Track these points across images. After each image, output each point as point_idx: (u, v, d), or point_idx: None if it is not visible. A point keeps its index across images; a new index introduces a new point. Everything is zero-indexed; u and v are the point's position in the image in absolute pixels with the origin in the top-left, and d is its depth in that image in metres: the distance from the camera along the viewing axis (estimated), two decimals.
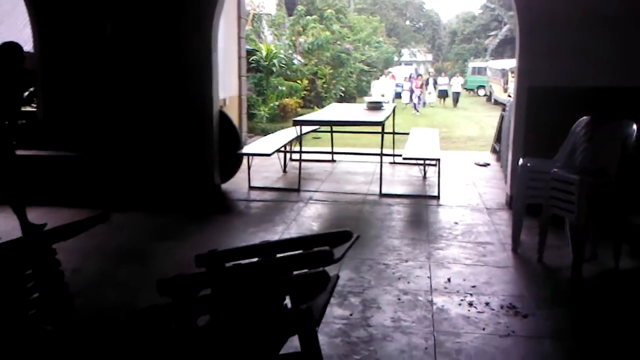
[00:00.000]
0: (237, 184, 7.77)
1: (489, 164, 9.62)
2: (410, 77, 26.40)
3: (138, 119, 7.11)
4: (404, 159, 6.96)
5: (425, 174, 8.43)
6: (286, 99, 17.85)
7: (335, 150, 9.98)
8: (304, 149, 10.15)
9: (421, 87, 25.56)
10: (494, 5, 50.46)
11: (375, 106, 9.16)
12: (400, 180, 8.29)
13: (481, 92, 35.46)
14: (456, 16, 61.91)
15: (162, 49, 7.00)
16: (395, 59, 46.65)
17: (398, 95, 26.86)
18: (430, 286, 4.39)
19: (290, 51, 22.61)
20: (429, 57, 62.60)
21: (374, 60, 31.85)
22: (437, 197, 7.17)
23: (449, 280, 4.52)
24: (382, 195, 7.29)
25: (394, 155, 9.57)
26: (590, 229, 4.85)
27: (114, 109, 7.11)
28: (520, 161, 5.35)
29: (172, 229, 5.96)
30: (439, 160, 6.99)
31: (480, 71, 36.56)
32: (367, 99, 9.33)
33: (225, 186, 7.70)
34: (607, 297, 4.29)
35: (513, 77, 26.83)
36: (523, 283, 4.57)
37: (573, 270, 4.58)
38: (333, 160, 9.82)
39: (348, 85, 25.09)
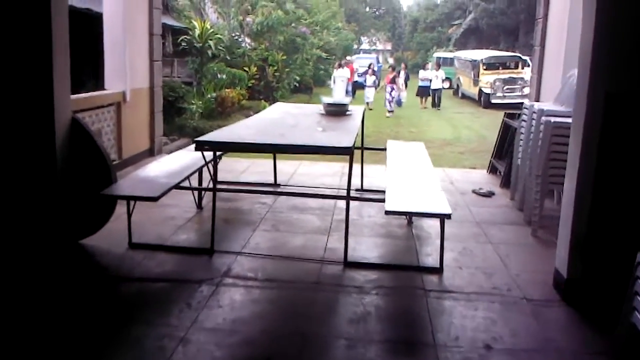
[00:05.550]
0: (112, 238, 4.75)
1: (493, 194, 6.84)
2: (369, 67, 22.95)
3: None
4: (387, 212, 4.00)
5: (410, 217, 5.53)
6: (226, 90, 14.70)
7: (280, 166, 7.05)
8: (229, 167, 7.21)
9: (393, 81, 20.58)
10: None
11: (337, 110, 6.22)
12: (372, 228, 5.40)
13: (446, 84, 32.91)
14: (417, 4, 59.43)
15: None
16: (355, 46, 43.78)
17: (352, 92, 23.01)
18: None
19: (236, 33, 19.44)
20: (389, 46, 60.05)
21: (332, 47, 28.81)
22: (439, 271, 4.32)
23: None
24: (347, 264, 4.40)
25: (362, 179, 6.70)
26: None
27: None
28: None
29: None
30: (446, 216, 4.05)
31: (445, 62, 33.97)
32: (324, 99, 6.37)
33: (91, 242, 4.69)
34: None
35: (485, 69, 24.67)
36: None
37: None
38: (276, 184, 6.88)
39: (304, 74, 22.02)
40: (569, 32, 6.92)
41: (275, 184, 6.86)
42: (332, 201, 6.24)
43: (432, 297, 3.89)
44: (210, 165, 4.78)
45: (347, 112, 6.23)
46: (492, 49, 33.49)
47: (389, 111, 19.65)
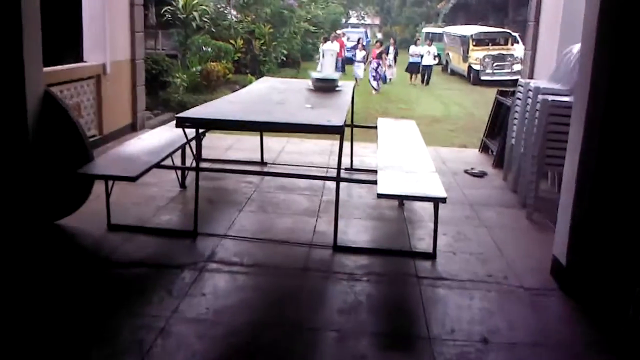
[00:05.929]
0: (90, 219, 4.51)
1: (485, 174, 6.67)
2: (358, 42, 22.40)
3: None
4: (379, 195, 3.80)
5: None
6: (212, 63, 14.30)
7: (267, 143, 6.81)
8: (214, 143, 6.96)
9: (379, 57, 19.46)
10: None
11: (326, 85, 5.98)
12: (363, 209, 5.20)
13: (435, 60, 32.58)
14: None
15: None
16: (343, 20, 43.11)
17: (342, 67, 21.88)
18: None
19: (222, 4, 18.95)
20: (377, 21, 59.30)
21: (320, 21, 28.27)
22: (432, 257, 4.14)
23: None
24: (337, 248, 4.20)
25: (351, 158, 6.51)
26: None
27: None
28: None
29: None
30: (441, 200, 3.86)
31: (434, 37, 33.61)
32: (313, 74, 6.11)
33: (68, 223, 4.45)
34: None
35: (474, 45, 24.34)
36: None
37: None
38: (263, 163, 6.65)
39: (291, 48, 21.55)
40: (565, 7, 6.69)
41: (262, 162, 6.64)
42: (320, 174, 6.05)
43: (426, 285, 3.71)
44: (192, 143, 4.54)
45: (337, 88, 5.99)
46: (481, 24, 33.10)
47: (375, 89, 18.79)
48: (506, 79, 22.29)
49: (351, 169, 6.43)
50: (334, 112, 4.54)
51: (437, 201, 3.94)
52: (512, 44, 24.49)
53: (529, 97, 5.66)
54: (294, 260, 4.04)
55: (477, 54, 23.27)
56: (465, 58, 24.38)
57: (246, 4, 19.31)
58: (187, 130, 4.41)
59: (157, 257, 4.02)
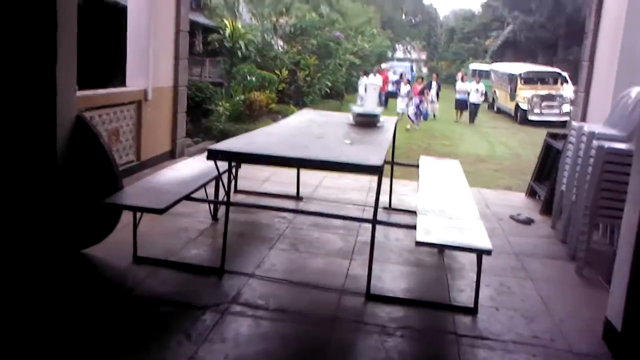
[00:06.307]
0: (117, 249, 4.37)
1: (532, 221, 6.30)
2: (401, 76, 22.12)
3: None
4: (418, 243, 3.53)
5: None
6: (255, 93, 14.32)
7: (303, 177, 6.63)
8: (251, 174, 6.80)
9: (422, 93, 19.13)
10: (497, 4, 47.17)
11: (368, 120, 5.78)
12: (399, 253, 4.92)
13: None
14: (454, 13, 58.54)
15: None
16: (389, 54, 43.14)
17: (385, 102, 21.51)
18: None
19: (269, 34, 19.12)
20: (423, 55, 59.22)
21: (366, 54, 28.29)
22: (473, 312, 3.83)
23: None
24: (370, 297, 3.93)
25: (390, 196, 6.26)
26: None
27: None
28: None
29: None
30: (486, 252, 3.56)
31: (481, 74, 33.27)
32: (354, 108, 5.92)
33: (94, 252, 4.32)
34: None
35: (522, 84, 23.82)
36: None
37: None
38: (298, 197, 6.46)
39: (335, 80, 21.52)
40: (622, 49, 6.37)
41: (298, 197, 6.44)
42: (357, 213, 5.81)
43: (465, 345, 3.40)
44: (224, 177, 4.37)
45: (378, 124, 5.78)
46: (529, 62, 32.63)
47: (413, 123, 18.21)
48: (554, 120, 21.74)
49: (389, 208, 6.18)
50: (373, 150, 4.31)
51: (481, 253, 3.64)
52: (562, 84, 23.96)
53: (582, 141, 5.32)
54: (323, 307, 3.78)
55: (525, 93, 22.80)
56: (513, 97, 23.92)
57: (293, 34, 19.44)
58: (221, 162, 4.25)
59: (180, 295, 3.82)
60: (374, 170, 3.80)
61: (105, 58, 7.51)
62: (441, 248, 4.72)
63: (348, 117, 5.98)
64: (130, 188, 4.23)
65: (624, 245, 3.57)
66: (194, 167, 4.98)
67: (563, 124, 21.89)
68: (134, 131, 7.15)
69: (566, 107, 22.26)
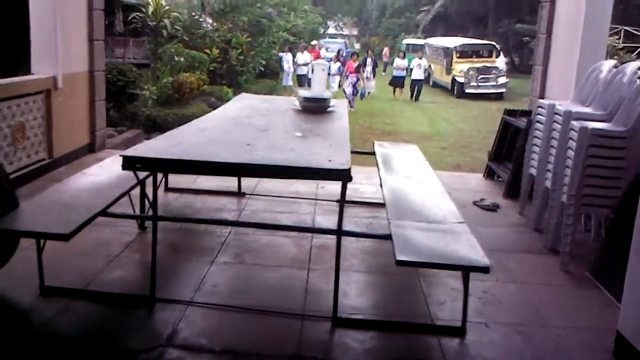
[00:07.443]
0: (19, 278, 3.49)
1: (498, 206, 5.79)
2: (338, 54, 21.24)
3: None
4: (399, 262, 2.84)
5: None
6: (184, 74, 13.26)
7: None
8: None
9: (357, 70, 18.02)
10: None
11: (317, 106, 5.05)
12: (362, 260, 4.23)
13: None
14: None
15: None
16: (321, 31, 42.31)
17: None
18: None
19: (197, 12, 17.93)
20: (355, 31, 58.73)
21: (300, 31, 27.36)
22: (461, 332, 3.21)
23: None
24: (336, 321, 3.24)
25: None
26: None
27: None
28: None
29: None
30: (483, 270, 2.89)
31: (415, 49, 33.00)
32: (301, 92, 5.18)
33: None
34: None
35: (458, 57, 23.62)
36: None
37: None
38: (240, 193, 5.68)
39: (270, 59, 20.56)
40: (586, 21, 5.88)
41: (240, 193, 5.66)
42: (308, 216, 5.13)
43: None
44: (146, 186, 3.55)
45: (329, 109, 5.07)
46: (461, 36, 32.61)
47: (351, 106, 16.57)
48: (491, 92, 21.70)
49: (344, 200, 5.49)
50: (333, 145, 3.59)
51: (477, 271, 2.99)
52: (496, 56, 23.94)
53: (556, 121, 4.79)
54: (283, 341, 3.06)
55: (461, 67, 22.59)
56: (449, 70, 23.70)
57: (223, 11, 18.33)
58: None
59: (101, 338, 3.02)
60: (342, 175, 3.05)
61: (5, 42, 6.42)
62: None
63: (293, 102, 5.24)
64: (28, 205, 3.33)
65: (636, 250, 3.01)
66: (111, 170, 4.07)
67: (499, 96, 21.89)
68: (44, 125, 6.15)
69: (502, 79, 22.26)
